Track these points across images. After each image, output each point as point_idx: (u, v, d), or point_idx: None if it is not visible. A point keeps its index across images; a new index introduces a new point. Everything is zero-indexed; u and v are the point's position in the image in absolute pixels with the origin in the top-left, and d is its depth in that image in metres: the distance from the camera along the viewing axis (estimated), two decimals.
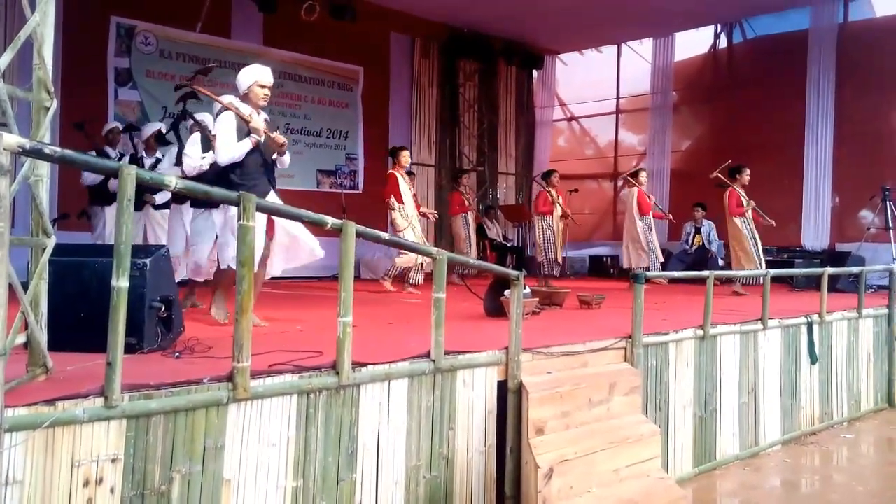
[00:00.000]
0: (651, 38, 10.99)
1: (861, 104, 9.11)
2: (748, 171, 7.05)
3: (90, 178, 5.52)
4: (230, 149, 3.67)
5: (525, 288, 3.75)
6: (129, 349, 2.36)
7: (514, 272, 3.32)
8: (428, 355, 2.86)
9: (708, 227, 8.74)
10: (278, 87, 9.22)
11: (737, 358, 4.46)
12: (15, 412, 1.84)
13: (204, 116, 4.52)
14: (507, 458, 3.13)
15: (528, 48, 11.22)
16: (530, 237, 9.26)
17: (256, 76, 3.77)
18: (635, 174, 7.81)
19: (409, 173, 8.70)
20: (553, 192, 8.04)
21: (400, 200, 6.61)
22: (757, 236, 6.93)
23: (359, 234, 2.58)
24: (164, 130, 5.59)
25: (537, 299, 4.73)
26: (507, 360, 3.14)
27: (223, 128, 3.69)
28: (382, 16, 9.38)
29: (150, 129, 5.71)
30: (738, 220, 6.94)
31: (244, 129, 3.72)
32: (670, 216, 8.10)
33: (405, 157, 6.83)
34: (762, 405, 4.63)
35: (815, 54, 9.34)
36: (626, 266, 7.62)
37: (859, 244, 8.31)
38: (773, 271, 5.14)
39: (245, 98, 3.80)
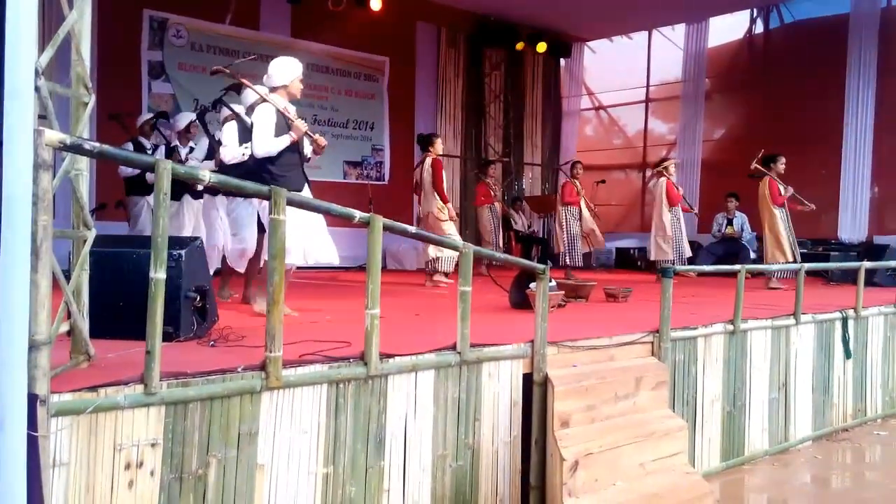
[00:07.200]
0: (684, 24, 10.75)
1: None
2: (783, 160, 6.86)
3: (127, 170, 5.67)
4: (268, 143, 3.69)
5: (550, 281, 3.75)
6: (166, 338, 2.44)
7: (540, 265, 3.32)
8: (454, 347, 2.89)
9: (741, 218, 8.53)
10: (306, 78, 9.29)
11: (768, 353, 4.39)
12: (60, 398, 1.93)
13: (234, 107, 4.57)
14: (532, 450, 3.15)
15: (556, 36, 11.07)
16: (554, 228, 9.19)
17: (297, 71, 3.74)
18: (665, 165, 7.69)
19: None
20: (577, 183, 7.92)
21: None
22: (792, 229, 6.78)
23: (386, 228, 2.60)
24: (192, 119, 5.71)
25: (563, 292, 4.71)
26: (532, 353, 3.16)
27: (262, 121, 3.70)
28: (408, 5, 9.36)
29: (184, 119, 5.80)
30: (777, 211, 6.77)
31: (282, 124, 3.75)
32: (695, 210, 7.94)
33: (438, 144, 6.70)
34: (793, 401, 4.56)
35: (855, 39, 9.02)
36: (652, 258, 7.52)
37: None
38: (807, 265, 5.02)
39: (278, 90, 3.78)
